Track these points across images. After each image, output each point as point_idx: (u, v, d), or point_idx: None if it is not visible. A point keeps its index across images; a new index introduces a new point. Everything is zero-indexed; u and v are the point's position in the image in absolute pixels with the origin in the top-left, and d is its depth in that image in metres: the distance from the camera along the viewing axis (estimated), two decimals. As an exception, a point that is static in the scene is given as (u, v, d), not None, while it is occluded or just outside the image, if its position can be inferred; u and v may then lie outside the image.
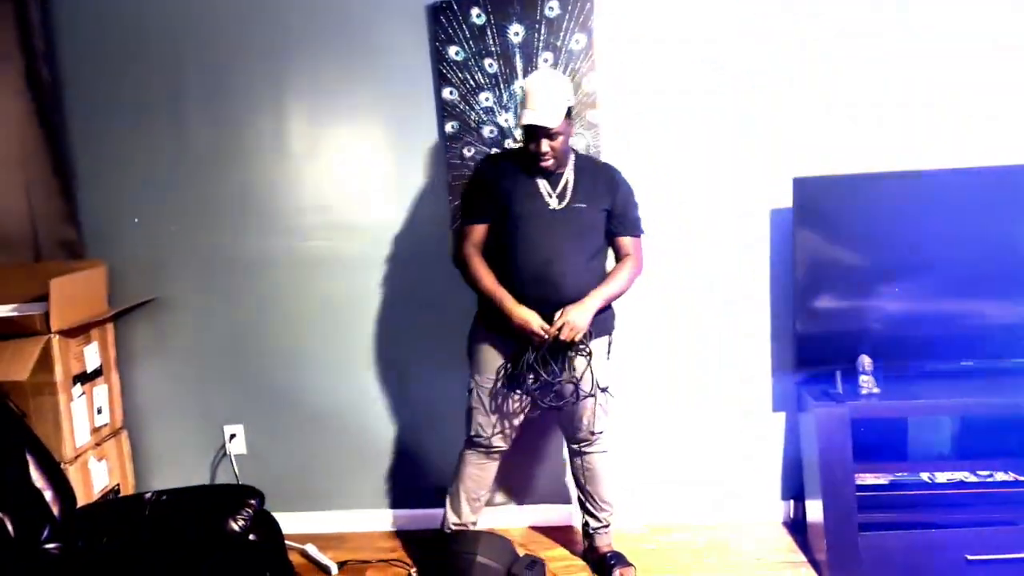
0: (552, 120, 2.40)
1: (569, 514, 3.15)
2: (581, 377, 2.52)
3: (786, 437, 3.05)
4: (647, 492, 3.12)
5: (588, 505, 2.81)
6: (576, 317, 2.45)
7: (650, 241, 2.98)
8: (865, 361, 2.70)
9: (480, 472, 2.74)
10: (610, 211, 2.58)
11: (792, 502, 3.07)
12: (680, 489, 3.11)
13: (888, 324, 2.79)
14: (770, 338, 3.00)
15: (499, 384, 2.59)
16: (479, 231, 2.59)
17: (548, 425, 3.02)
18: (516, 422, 2.67)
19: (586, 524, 2.85)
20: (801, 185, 2.72)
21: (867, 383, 2.68)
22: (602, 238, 2.60)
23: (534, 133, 2.44)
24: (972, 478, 2.77)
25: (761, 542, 2.95)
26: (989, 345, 2.77)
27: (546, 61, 2.85)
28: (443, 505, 2.80)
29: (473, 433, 2.68)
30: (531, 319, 2.45)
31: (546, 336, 2.44)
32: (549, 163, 2.48)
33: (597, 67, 2.86)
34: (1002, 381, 2.71)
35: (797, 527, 3.01)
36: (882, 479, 2.80)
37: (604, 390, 2.59)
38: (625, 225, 2.62)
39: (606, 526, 2.81)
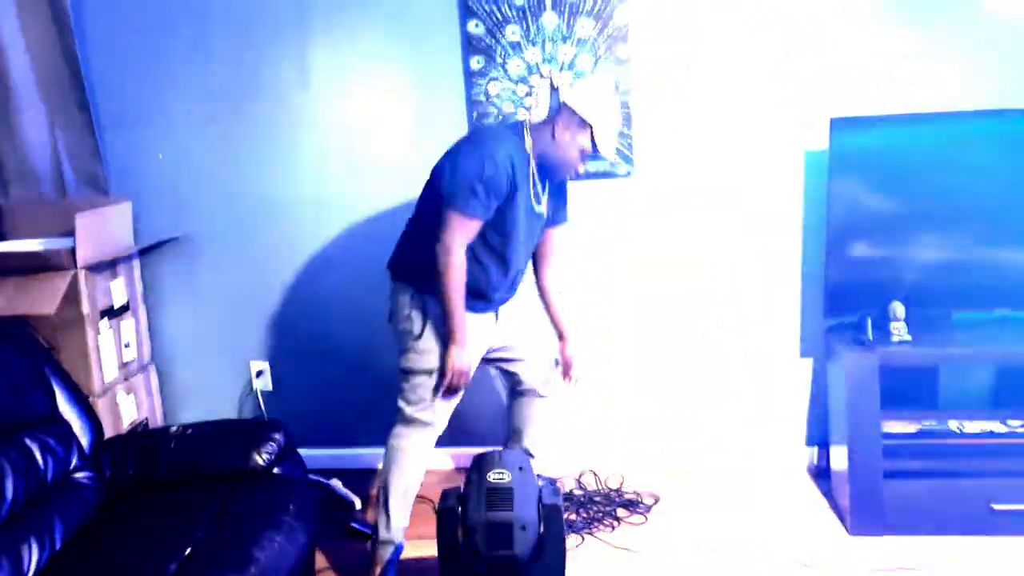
0: None
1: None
2: None
3: (812, 384, 3.02)
4: (673, 436, 3.11)
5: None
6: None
7: (680, 182, 2.92)
8: (897, 308, 2.63)
9: (428, 456, 2.47)
10: None
11: (816, 449, 3.05)
12: (705, 434, 3.10)
13: (922, 270, 2.72)
14: (800, 283, 2.94)
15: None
16: (476, 228, 2.28)
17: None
18: None
19: None
20: (838, 125, 2.63)
21: (898, 330, 2.62)
22: None
23: (593, 155, 2.35)
24: (1003, 428, 2.72)
25: (784, 488, 2.94)
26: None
27: (575, -7, 2.76)
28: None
29: (433, 419, 2.41)
30: (470, 371, 2.37)
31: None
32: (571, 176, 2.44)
33: None
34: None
35: (821, 474, 3.00)
36: (910, 427, 2.76)
37: None
38: (564, 214, 2.60)
39: None
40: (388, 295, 2.47)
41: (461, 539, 2.00)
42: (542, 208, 2.41)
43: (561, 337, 2.65)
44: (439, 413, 2.42)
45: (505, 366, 2.60)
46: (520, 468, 2.08)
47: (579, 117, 2.29)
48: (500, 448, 2.19)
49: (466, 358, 2.35)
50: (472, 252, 2.31)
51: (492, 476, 2.03)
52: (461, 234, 2.24)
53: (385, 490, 2.43)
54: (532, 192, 2.35)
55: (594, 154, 2.34)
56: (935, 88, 2.73)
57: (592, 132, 2.29)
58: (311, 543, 2.30)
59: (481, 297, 2.39)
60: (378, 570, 2.43)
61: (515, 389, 2.67)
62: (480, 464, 2.11)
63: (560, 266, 2.63)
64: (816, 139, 2.77)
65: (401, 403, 2.43)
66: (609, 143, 2.33)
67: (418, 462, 2.43)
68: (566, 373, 2.67)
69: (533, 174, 2.34)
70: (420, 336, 2.36)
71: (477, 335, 2.41)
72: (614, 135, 2.34)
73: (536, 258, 2.57)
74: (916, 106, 2.71)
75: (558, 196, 2.52)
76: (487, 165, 2.21)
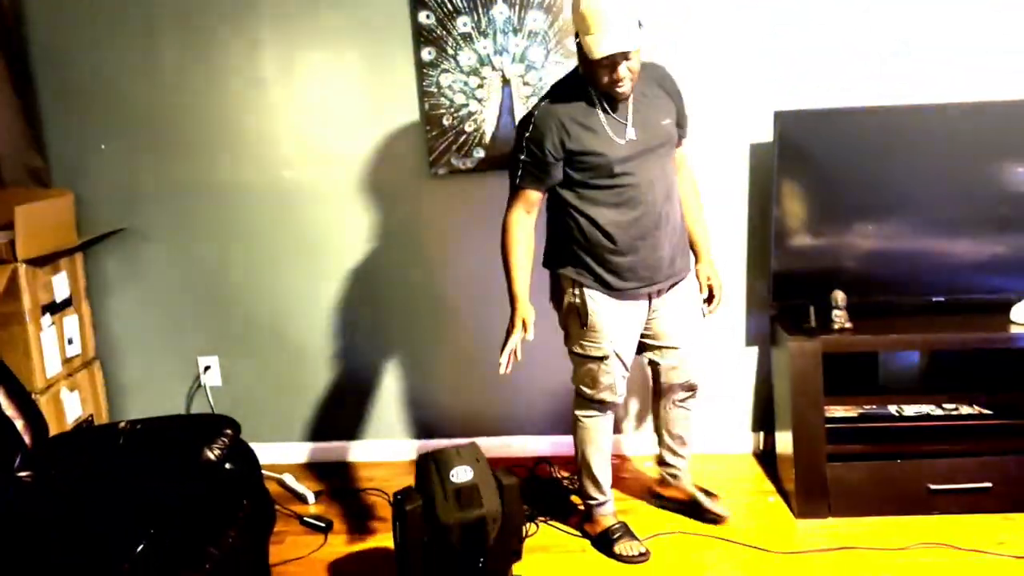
0: (632, 40, 2.07)
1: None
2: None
3: (758, 370, 3.09)
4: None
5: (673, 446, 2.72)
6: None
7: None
8: (838, 296, 2.71)
9: (612, 425, 2.60)
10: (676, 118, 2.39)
11: (762, 434, 3.13)
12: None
13: (862, 260, 2.80)
14: (745, 272, 3.01)
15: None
16: (534, 197, 2.31)
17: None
18: None
19: (665, 464, 2.77)
20: (782, 119, 2.69)
21: (840, 318, 2.70)
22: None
23: (610, 60, 2.10)
24: (938, 411, 2.83)
25: (731, 472, 3.01)
26: (959, 281, 2.79)
27: (526, -15, 2.76)
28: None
29: (605, 397, 2.47)
30: (529, 319, 2.33)
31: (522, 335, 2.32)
32: (627, 89, 2.18)
33: (578, -7, 2.78)
34: (970, 317, 2.75)
35: (766, 458, 3.08)
36: (852, 411, 2.85)
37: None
38: (684, 131, 2.45)
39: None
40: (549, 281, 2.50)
41: (428, 535, 2.04)
42: (632, 136, 2.24)
43: (697, 258, 2.60)
44: (616, 390, 2.47)
45: (649, 355, 2.57)
46: (477, 460, 2.12)
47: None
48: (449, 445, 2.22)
49: (529, 309, 2.33)
50: (587, 209, 2.29)
51: (455, 476, 2.07)
52: (516, 206, 2.32)
53: (586, 461, 2.56)
54: (607, 125, 2.23)
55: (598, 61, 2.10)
56: (879, 82, 2.80)
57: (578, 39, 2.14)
58: (265, 538, 2.29)
59: (614, 272, 2.32)
60: (605, 524, 2.59)
61: (657, 388, 2.68)
62: (438, 462, 2.13)
63: (690, 179, 2.56)
64: (761, 131, 2.82)
65: (578, 385, 2.51)
66: (598, 45, 2.07)
67: (607, 433, 2.56)
68: (709, 299, 2.60)
69: (604, 107, 2.24)
70: (586, 324, 2.38)
71: (628, 321, 2.41)
72: (601, 35, 2.06)
73: None
74: (861, 100, 2.78)
75: (682, 109, 2.41)
76: (526, 128, 2.26)
